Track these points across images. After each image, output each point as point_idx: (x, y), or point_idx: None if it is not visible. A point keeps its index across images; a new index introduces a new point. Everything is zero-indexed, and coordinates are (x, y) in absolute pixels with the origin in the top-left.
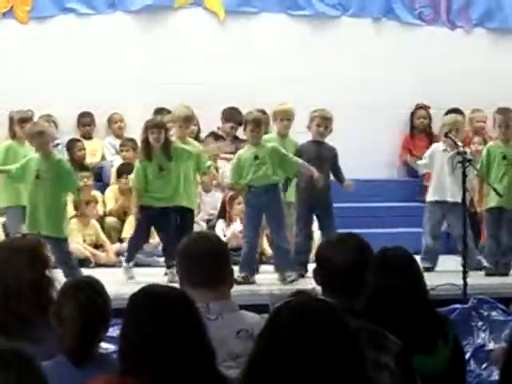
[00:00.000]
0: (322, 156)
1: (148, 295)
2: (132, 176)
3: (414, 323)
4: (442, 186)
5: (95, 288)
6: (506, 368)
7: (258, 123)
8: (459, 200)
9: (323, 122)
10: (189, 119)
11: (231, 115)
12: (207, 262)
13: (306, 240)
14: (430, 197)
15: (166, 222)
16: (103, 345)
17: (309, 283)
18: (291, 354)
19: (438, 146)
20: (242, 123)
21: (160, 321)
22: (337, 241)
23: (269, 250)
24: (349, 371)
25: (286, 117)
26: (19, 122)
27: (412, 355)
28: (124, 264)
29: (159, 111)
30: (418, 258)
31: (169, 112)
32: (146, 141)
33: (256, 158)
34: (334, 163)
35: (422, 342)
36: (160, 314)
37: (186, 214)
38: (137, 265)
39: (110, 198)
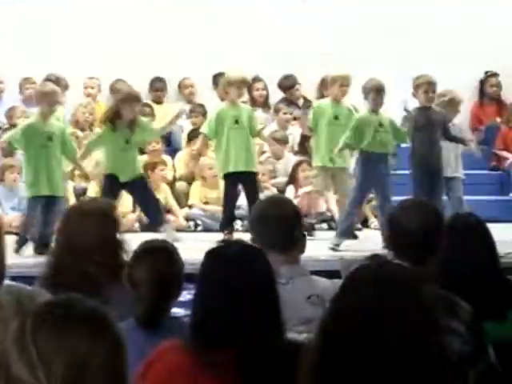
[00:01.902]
0: (433, 121)
1: (224, 257)
2: None
3: (485, 290)
4: None
5: (169, 252)
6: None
7: (380, 90)
8: None
9: (430, 87)
10: (245, 82)
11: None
12: (280, 226)
13: None
14: None
15: None
16: (173, 310)
17: None
18: (367, 316)
19: None
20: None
21: (238, 289)
22: (408, 206)
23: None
24: (423, 335)
25: (346, 82)
26: None
27: (483, 322)
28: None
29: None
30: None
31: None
32: None
33: (380, 125)
34: (444, 128)
35: (493, 309)
36: (238, 281)
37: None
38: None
39: (180, 163)
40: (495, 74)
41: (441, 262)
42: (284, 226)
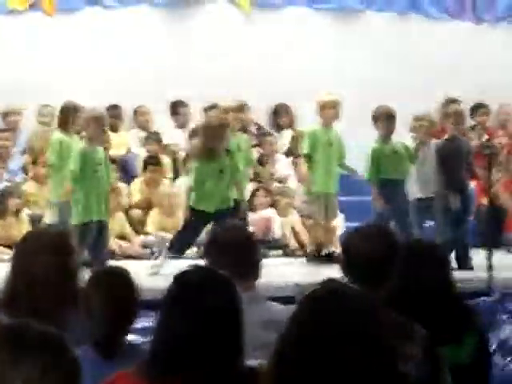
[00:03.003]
0: (462, 152)
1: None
2: None
3: (442, 315)
4: None
5: (124, 278)
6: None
7: (390, 117)
8: None
9: (460, 118)
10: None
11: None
12: (235, 252)
13: None
14: None
15: None
16: (129, 336)
17: None
18: (321, 341)
19: None
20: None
21: (202, 315)
22: (363, 231)
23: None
24: (378, 360)
25: (336, 106)
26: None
27: (440, 346)
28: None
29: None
30: None
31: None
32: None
33: (395, 152)
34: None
35: (449, 333)
36: (203, 307)
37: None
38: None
39: (135, 190)
40: (455, 100)
41: (397, 287)
42: (239, 252)
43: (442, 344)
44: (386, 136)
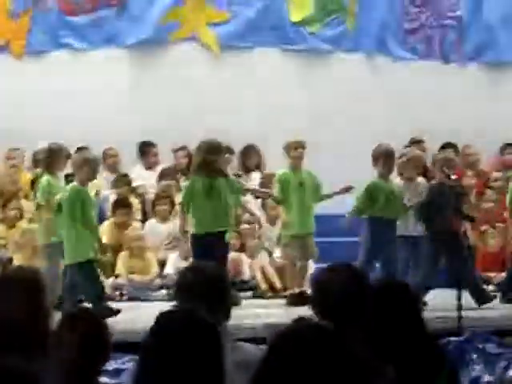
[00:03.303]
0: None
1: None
2: None
3: (413, 355)
4: None
5: (95, 318)
6: None
7: (390, 156)
8: None
9: (449, 162)
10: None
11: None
12: (205, 293)
13: None
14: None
15: None
16: (102, 379)
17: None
18: (291, 379)
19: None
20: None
21: (183, 364)
22: (333, 269)
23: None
24: None
25: (301, 146)
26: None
27: None
28: None
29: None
30: None
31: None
32: None
33: (392, 192)
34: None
35: (421, 373)
36: (183, 355)
37: None
38: (129, 299)
39: (105, 233)
40: (420, 141)
41: (368, 326)
42: (209, 293)
43: None
44: (385, 174)
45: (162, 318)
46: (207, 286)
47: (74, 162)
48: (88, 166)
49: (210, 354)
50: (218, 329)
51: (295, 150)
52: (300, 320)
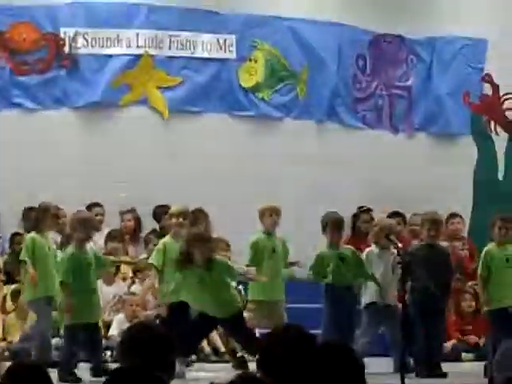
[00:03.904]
0: (436, 259)
1: None
2: None
3: None
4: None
5: (41, 374)
6: None
7: (339, 224)
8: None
9: (434, 225)
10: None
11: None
12: (149, 352)
13: None
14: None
15: None
16: None
17: None
18: None
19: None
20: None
21: None
22: (277, 332)
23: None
24: None
25: (276, 212)
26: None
27: None
28: None
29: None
30: None
31: None
32: None
33: (341, 258)
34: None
35: None
36: None
37: None
38: None
39: None
40: (368, 210)
41: None
42: (153, 352)
43: None
44: (334, 242)
45: (115, 374)
46: (150, 345)
47: (69, 223)
48: (82, 227)
49: None
50: None
51: (270, 216)
52: (244, 374)
